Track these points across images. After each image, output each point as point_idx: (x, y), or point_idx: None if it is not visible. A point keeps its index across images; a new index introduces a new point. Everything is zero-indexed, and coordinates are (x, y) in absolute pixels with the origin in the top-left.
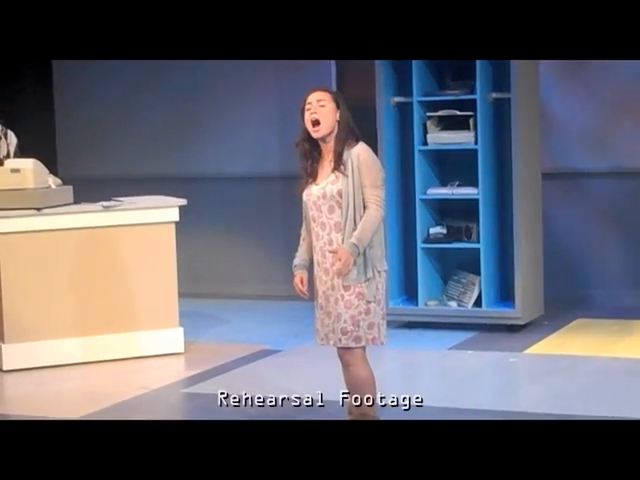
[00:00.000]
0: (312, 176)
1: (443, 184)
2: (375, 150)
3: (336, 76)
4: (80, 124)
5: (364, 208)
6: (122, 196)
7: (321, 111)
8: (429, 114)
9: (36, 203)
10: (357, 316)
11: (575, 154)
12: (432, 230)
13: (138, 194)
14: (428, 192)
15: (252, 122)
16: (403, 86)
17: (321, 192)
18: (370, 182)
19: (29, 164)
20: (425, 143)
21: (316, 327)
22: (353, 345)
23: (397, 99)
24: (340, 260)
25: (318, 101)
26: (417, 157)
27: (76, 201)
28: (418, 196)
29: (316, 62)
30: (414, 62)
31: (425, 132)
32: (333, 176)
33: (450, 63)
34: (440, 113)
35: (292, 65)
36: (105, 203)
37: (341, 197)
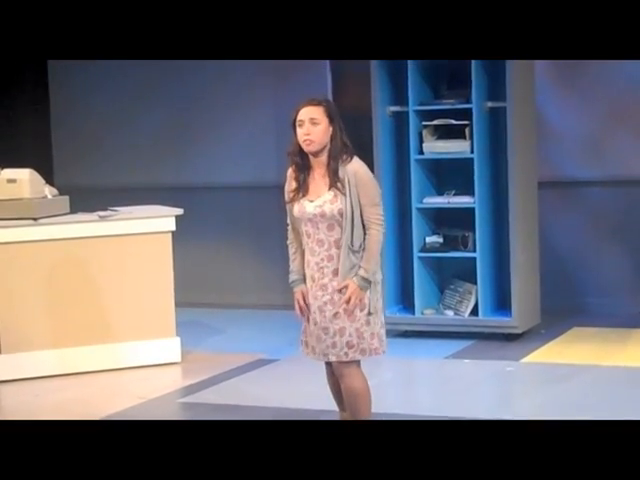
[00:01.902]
0: (303, 190)
1: (439, 193)
2: (371, 159)
3: (332, 85)
4: (76, 134)
5: (363, 225)
6: (118, 206)
7: (314, 130)
8: (425, 123)
9: (32, 213)
10: (360, 328)
11: (571, 163)
12: (428, 239)
13: (134, 204)
14: (424, 201)
15: (248, 131)
16: (399, 95)
17: (319, 210)
18: (368, 200)
19: (25, 174)
20: (421, 152)
21: (305, 340)
22: (359, 357)
23: (393, 108)
24: (352, 296)
25: (311, 119)
26: (413, 166)
27: (72, 211)
28: (414, 205)
29: (312, 71)
30: (409, 71)
31: (421, 141)
32: (331, 194)
33: (445, 72)
34: (436, 122)
35: (288, 73)
36: (101, 213)
37: (342, 216)
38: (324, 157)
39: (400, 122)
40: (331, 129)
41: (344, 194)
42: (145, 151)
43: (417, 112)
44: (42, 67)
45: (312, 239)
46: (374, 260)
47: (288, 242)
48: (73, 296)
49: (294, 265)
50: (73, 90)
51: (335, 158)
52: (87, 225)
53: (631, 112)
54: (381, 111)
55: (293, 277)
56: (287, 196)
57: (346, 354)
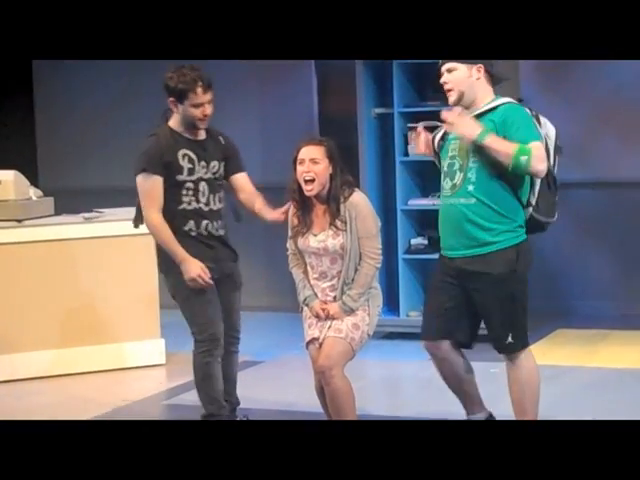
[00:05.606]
0: (307, 225)
1: (424, 195)
2: (356, 161)
3: (317, 88)
4: (61, 135)
5: (360, 257)
6: (103, 207)
7: (315, 169)
8: (410, 125)
9: (17, 215)
10: (358, 323)
11: (556, 165)
12: (413, 241)
13: (119, 205)
14: (409, 203)
15: (233, 133)
16: (384, 97)
17: (322, 245)
18: (365, 233)
19: (10, 175)
20: (406, 154)
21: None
22: (349, 338)
23: (378, 110)
24: (332, 314)
25: (312, 160)
26: (398, 168)
27: (57, 213)
28: (399, 207)
29: (298, 73)
30: (395, 73)
31: (406, 143)
32: (332, 230)
33: (431, 73)
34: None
35: (273, 76)
36: (86, 214)
37: (344, 250)
38: (324, 197)
39: (385, 124)
40: (331, 168)
41: (344, 230)
42: (130, 153)
43: (402, 114)
44: (26, 69)
45: (315, 271)
46: (360, 288)
47: (291, 267)
48: (57, 298)
49: (305, 282)
50: (57, 92)
51: (335, 198)
52: (72, 227)
53: (614, 114)
54: (366, 113)
55: (307, 292)
56: (291, 231)
57: (347, 335)
